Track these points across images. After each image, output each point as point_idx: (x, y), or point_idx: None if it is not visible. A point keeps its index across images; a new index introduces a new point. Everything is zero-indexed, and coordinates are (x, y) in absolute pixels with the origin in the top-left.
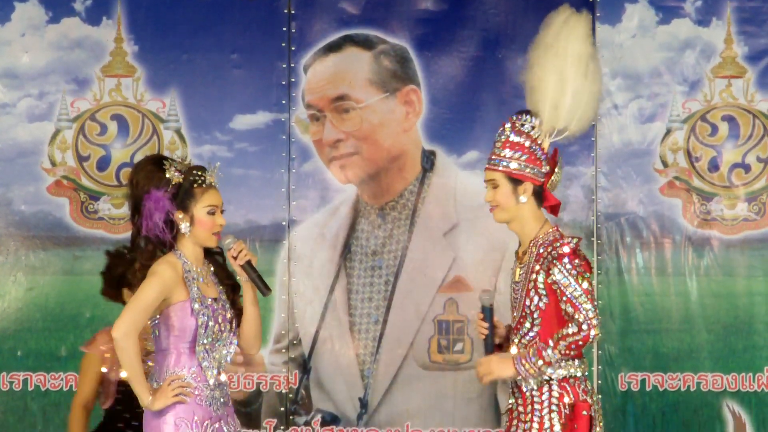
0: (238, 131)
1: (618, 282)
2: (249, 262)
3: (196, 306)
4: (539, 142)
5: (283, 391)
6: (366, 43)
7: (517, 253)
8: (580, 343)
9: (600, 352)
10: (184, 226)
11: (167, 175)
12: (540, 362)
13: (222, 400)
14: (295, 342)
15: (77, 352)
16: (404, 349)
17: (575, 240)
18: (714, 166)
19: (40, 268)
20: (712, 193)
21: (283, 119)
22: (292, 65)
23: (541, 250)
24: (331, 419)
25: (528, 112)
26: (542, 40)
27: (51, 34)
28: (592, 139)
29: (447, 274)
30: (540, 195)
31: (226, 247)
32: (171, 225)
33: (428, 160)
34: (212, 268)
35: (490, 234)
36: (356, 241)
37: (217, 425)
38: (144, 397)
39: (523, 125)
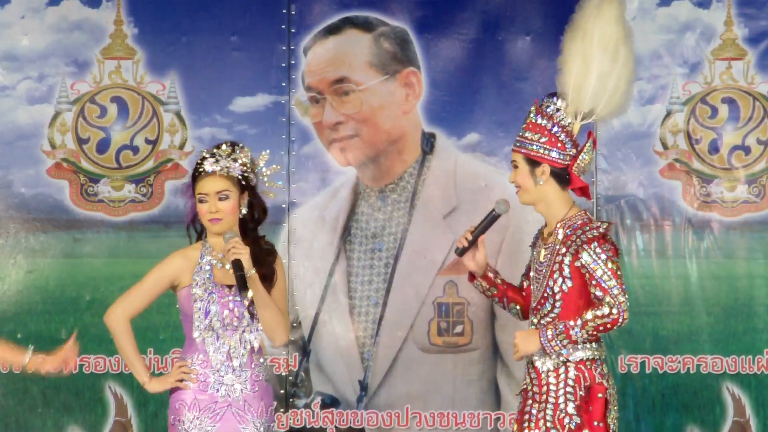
0: (238, 114)
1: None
2: (237, 261)
3: (197, 292)
4: (564, 124)
5: (283, 374)
6: (366, 26)
7: (542, 233)
8: (609, 326)
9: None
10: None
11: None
12: (566, 341)
13: (239, 386)
14: (294, 324)
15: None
16: (404, 332)
17: (605, 225)
18: (714, 148)
19: (40, 251)
20: (712, 175)
21: (282, 101)
22: (292, 47)
23: (569, 233)
24: (330, 402)
25: (555, 95)
26: (576, 23)
27: (51, 17)
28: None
29: (447, 256)
30: (563, 177)
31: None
32: None
33: (428, 143)
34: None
35: None
36: (356, 224)
37: (222, 411)
38: (139, 378)
39: (547, 107)
